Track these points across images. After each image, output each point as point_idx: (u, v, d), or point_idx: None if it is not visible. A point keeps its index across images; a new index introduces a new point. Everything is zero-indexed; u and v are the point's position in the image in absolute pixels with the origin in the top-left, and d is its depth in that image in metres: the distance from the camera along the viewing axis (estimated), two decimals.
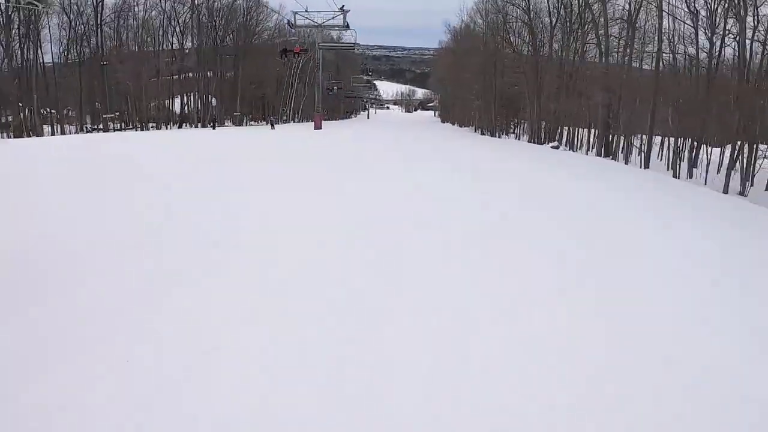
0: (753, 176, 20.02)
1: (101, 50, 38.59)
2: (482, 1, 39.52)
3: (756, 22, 19.82)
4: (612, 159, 24.34)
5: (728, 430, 2.75)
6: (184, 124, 42.56)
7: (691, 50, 22.78)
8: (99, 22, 38.11)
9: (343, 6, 32.80)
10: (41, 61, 36.13)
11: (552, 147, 27.73)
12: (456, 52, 48.64)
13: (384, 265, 5.05)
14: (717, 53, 21.46)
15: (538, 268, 5.21)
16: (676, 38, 23.40)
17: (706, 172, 20.71)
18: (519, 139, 35.99)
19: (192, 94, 44.20)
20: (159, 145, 18.15)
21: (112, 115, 38.53)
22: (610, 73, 26.17)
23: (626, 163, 22.83)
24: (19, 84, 33.82)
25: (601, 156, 25.24)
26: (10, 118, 33.09)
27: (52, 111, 36.11)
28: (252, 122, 47.43)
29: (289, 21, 36.55)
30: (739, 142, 20.27)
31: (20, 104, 33.65)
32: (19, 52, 34.43)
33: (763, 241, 7.86)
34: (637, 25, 25.40)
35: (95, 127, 37.38)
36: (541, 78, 32.02)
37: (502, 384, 3.02)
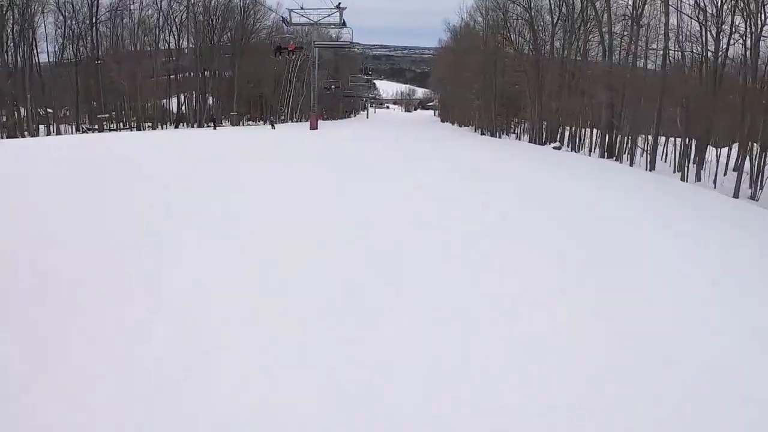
0: (763, 179, 18.93)
1: (97, 49, 38.28)
2: None
3: (764, 19, 18.97)
4: (616, 160, 23.78)
5: (728, 430, 2.75)
6: (181, 124, 42.27)
7: (698, 48, 21.81)
8: (94, 21, 37.82)
9: (339, 3, 32.16)
10: (37, 60, 35.73)
11: (554, 148, 27.22)
12: (456, 51, 48.41)
13: (384, 265, 5.05)
14: (724, 51, 20.66)
15: (538, 268, 5.21)
16: (683, 35, 22.42)
17: (715, 174, 19.88)
18: (519, 139, 35.86)
19: (189, 93, 43.82)
20: (158, 146, 18.12)
21: (107, 115, 38.23)
22: (614, 71, 25.44)
23: (631, 165, 22.29)
24: (14, 83, 33.58)
25: (604, 157, 24.68)
26: (4, 119, 32.83)
27: (49, 110, 35.88)
28: (250, 122, 47.15)
29: (283, 18, 35.60)
30: (748, 144, 19.44)
31: (15, 103, 33.40)
32: (14, 51, 34.10)
33: (763, 240, 7.86)
34: (641, 23, 24.54)
35: (91, 127, 37.10)
36: (542, 76, 31.44)
37: (502, 384, 3.02)
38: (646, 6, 24.16)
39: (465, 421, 2.68)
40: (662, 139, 24.12)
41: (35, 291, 4.08)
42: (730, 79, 21.34)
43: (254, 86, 45.35)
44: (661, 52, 23.06)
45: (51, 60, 37.09)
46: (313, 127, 32.65)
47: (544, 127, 32.09)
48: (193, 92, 43.39)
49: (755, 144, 19.31)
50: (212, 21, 42.96)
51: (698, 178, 20.43)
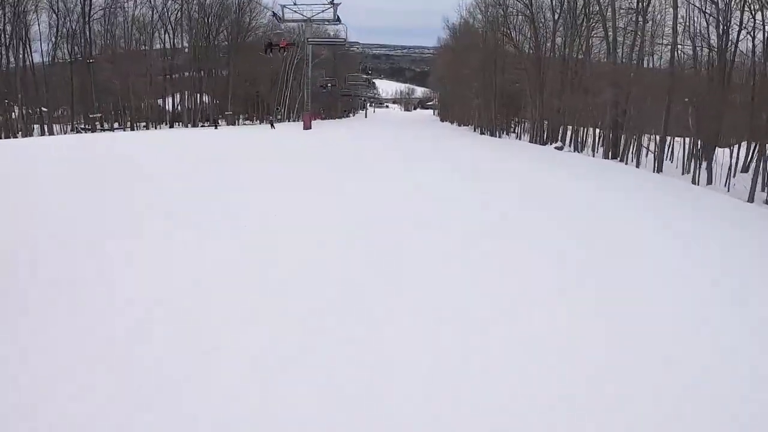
0: None
1: (90, 48, 37.85)
2: None
3: None
4: (621, 161, 22.94)
5: (728, 430, 2.75)
6: (176, 124, 41.91)
7: (707, 42, 20.85)
8: (87, 20, 37.39)
9: None
10: (30, 59, 35.19)
11: (556, 148, 26.62)
12: (455, 49, 48.13)
13: (384, 265, 5.05)
14: (733, 47, 19.81)
15: (538, 268, 5.22)
16: (693, 28, 21.41)
17: (728, 177, 18.84)
18: (520, 139, 35.73)
19: (184, 93, 43.35)
20: (156, 146, 18.11)
21: (100, 115, 37.89)
22: (619, 68, 24.53)
23: (637, 166, 21.47)
24: (7, 83, 33.32)
25: (608, 158, 23.78)
26: None
27: (44, 109, 35.62)
28: (247, 121, 46.84)
29: (275, 14, 34.43)
30: (760, 143, 18.50)
31: (6, 101, 33.12)
32: (6, 50, 33.70)
33: (763, 240, 7.87)
34: (647, 17, 23.64)
35: (85, 126, 36.78)
36: (543, 74, 30.65)
37: (502, 384, 3.02)
38: None
39: (465, 421, 2.68)
40: (667, 139, 23.04)
41: (35, 291, 4.08)
42: (738, 75, 20.58)
43: (250, 85, 44.86)
44: (669, 48, 22.10)
45: (45, 59, 36.66)
46: (307, 126, 31.67)
47: (545, 126, 31.39)
48: (188, 92, 42.90)
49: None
50: (208, 19, 42.43)
51: (710, 180, 19.40)
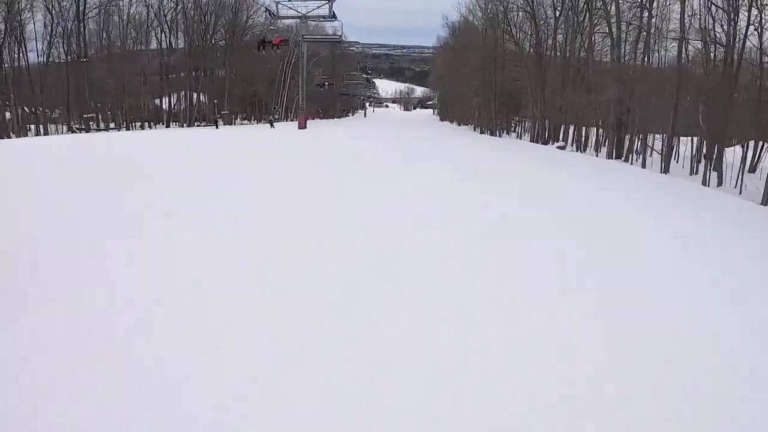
0: None
1: (84, 47, 37.53)
2: None
3: None
4: (625, 161, 22.24)
5: (728, 430, 2.75)
6: (172, 123, 41.61)
7: (710, 39, 20.01)
8: (81, 18, 37.08)
9: None
10: (26, 58, 34.79)
11: (558, 147, 26.12)
12: (455, 47, 47.88)
13: (384, 265, 5.05)
14: (741, 43, 18.95)
15: (538, 268, 5.22)
16: (696, 25, 20.55)
17: (741, 179, 17.96)
18: (520, 138, 35.62)
19: (180, 92, 43.01)
20: (155, 145, 18.12)
21: (93, 115, 37.64)
22: (623, 65, 23.70)
23: (643, 167, 20.87)
24: (4, 83, 33.16)
25: (612, 158, 22.96)
26: None
27: (43, 110, 35.41)
28: (245, 121, 46.60)
29: (268, 10, 33.60)
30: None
31: (6, 102, 32.96)
32: (0, 49, 33.43)
33: (763, 240, 7.86)
34: (653, 12, 22.74)
35: (79, 127, 36.52)
36: (545, 71, 29.90)
37: (502, 384, 3.02)
38: None
39: (465, 421, 2.68)
40: (666, 139, 22.20)
41: (35, 291, 4.08)
42: (743, 72, 19.67)
43: (247, 84, 44.49)
44: (675, 43, 21.23)
45: (40, 59, 36.29)
46: (302, 126, 30.96)
47: (546, 125, 30.72)
48: (183, 91, 42.50)
49: None
50: (204, 18, 41.97)
51: (720, 181, 18.66)
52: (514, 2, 33.12)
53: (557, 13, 30.71)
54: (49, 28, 36.03)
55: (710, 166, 19.35)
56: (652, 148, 22.25)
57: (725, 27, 19.81)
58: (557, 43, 30.77)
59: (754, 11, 18.67)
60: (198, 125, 38.78)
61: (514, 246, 6.00)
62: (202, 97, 43.25)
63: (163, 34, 41.31)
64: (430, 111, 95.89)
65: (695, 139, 22.27)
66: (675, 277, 5.18)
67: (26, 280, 4.30)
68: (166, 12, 40.81)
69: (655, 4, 23.00)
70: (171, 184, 9.29)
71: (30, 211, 6.64)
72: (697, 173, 20.63)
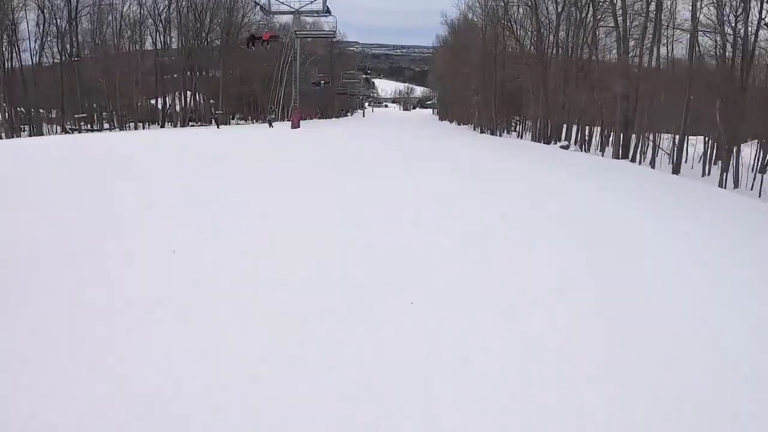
0: None
1: (77, 47, 37.23)
2: None
3: None
4: (632, 162, 21.19)
5: (728, 430, 2.75)
6: (167, 123, 41.35)
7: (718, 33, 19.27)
8: (74, 16, 36.79)
9: None
10: (19, 58, 34.44)
11: (561, 147, 25.64)
12: (455, 46, 47.59)
13: (384, 265, 5.05)
14: (753, 38, 18.30)
15: (538, 268, 5.22)
16: (703, 20, 19.78)
17: (761, 181, 17.29)
18: (521, 138, 35.48)
19: (174, 92, 42.55)
20: (151, 146, 18.10)
21: (84, 115, 37.37)
22: (630, 61, 22.69)
23: (652, 167, 20.13)
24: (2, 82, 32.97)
25: (618, 157, 21.71)
26: None
27: (36, 110, 35.18)
28: (241, 121, 46.31)
29: (261, 6, 32.98)
30: None
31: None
32: None
33: (764, 240, 7.86)
34: (663, 5, 21.90)
35: (71, 127, 36.21)
36: (547, 68, 29.29)
37: (502, 384, 3.02)
38: None
39: (465, 421, 2.68)
40: (677, 138, 21.35)
41: (35, 291, 4.08)
42: (753, 69, 19.24)
43: (243, 84, 44.11)
44: (680, 39, 20.73)
45: (33, 59, 35.90)
46: (295, 125, 30.29)
47: (548, 124, 30.03)
48: (177, 91, 42.08)
49: None
50: (198, 15, 41.40)
51: (736, 184, 18.11)
52: None
53: (559, 8, 30.10)
54: (41, 27, 35.69)
55: (726, 167, 18.68)
56: (659, 147, 21.69)
57: (733, 21, 19.10)
58: (559, 40, 30.20)
59: (766, 5, 18.22)
60: (192, 125, 38.43)
61: (514, 246, 6.01)
62: (197, 97, 42.88)
63: (157, 34, 40.96)
64: (430, 111, 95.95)
65: (704, 138, 21.43)
66: (675, 277, 5.18)
67: (26, 280, 4.29)
68: (161, 10, 40.41)
69: None
70: (171, 184, 9.29)
71: (30, 211, 6.64)
72: (709, 174, 20.00)
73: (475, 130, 44.14)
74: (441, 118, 69.36)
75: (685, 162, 21.72)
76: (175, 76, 41.96)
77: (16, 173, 10.08)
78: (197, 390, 2.85)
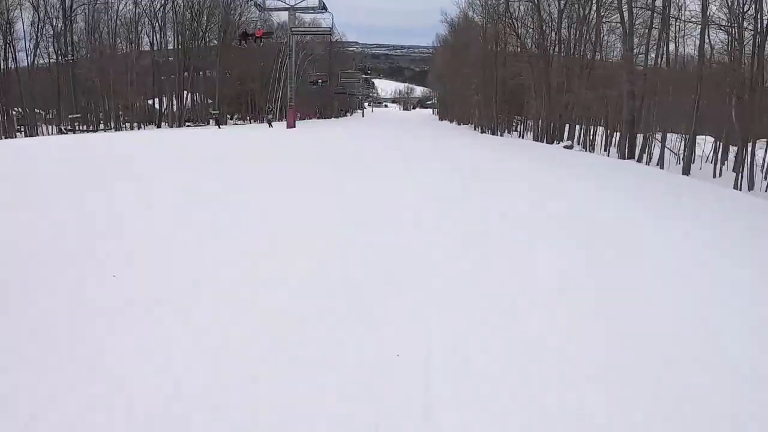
0: None
1: (72, 47, 37.05)
2: None
3: None
4: (638, 161, 20.49)
5: (728, 430, 2.75)
6: (163, 124, 41.07)
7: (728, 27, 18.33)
8: (69, 14, 36.57)
9: None
10: (14, 58, 34.12)
11: (564, 146, 25.34)
12: (454, 45, 47.32)
13: (384, 265, 5.05)
14: (764, 31, 17.46)
15: (538, 268, 5.22)
16: (733, 10, 18.48)
17: None
18: (522, 137, 35.30)
19: (172, 92, 42.29)
20: (153, 146, 18.10)
21: (78, 115, 37.16)
22: (636, 57, 21.88)
23: (661, 168, 19.55)
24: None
25: (624, 158, 20.90)
26: None
27: (32, 110, 35.04)
28: (239, 121, 46.06)
29: (255, 2, 32.61)
30: None
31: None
32: None
33: (764, 240, 7.86)
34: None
35: (68, 127, 35.98)
36: (549, 65, 28.81)
37: (502, 384, 3.02)
38: None
39: (465, 421, 2.68)
40: (687, 138, 20.54)
41: (35, 291, 4.08)
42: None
43: (241, 84, 43.82)
44: (691, 35, 19.83)
45: (29, 59, 35.62)
46: (290, 125, 29.86)
47: (551, 124, 29.38)
48: (174, 92, 41.82)
49: None
50: (196, 14, 40.88)
51: (751, 185, 17.42)
52: None
53: (561, 4, 29.60)
54: (36, 26, 35.44)
55: (740, 168, 17.96)
56: (666, 147, 21.17)
57: (752, 10, 18.13)
58: (561, 37, 29.71)
59: None
60: (189, 125, 38.20)
61: (514, 246, 6.01)
62: (194, 97, 42.53)
63: (154, 33, 40.61)
64: (430, 111, 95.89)
65: (714, 138, 20.70)
66: (675, 277, 5.19)
67: (26, 280, 4.29)
68: (157, 9, 40.06)
69: None
70: (171, 184, 9.29)
71: (30, 211, 6.64)
72: (721, 176, 19.43)
73: (475, 129, 44.06)
74: (441, 118, 69.32)
75: (693, 162, 21.10)
76: (172, 76, 41.67)
77: (16, 173, 10.08)
78: (197, 390, 2.85)
